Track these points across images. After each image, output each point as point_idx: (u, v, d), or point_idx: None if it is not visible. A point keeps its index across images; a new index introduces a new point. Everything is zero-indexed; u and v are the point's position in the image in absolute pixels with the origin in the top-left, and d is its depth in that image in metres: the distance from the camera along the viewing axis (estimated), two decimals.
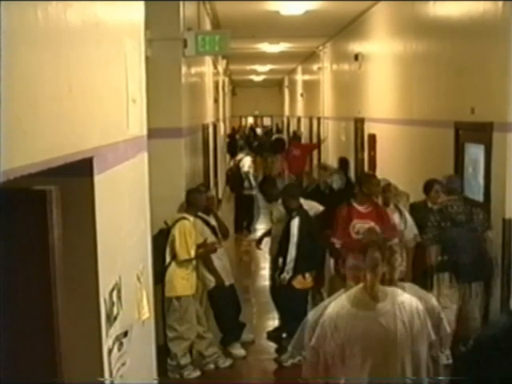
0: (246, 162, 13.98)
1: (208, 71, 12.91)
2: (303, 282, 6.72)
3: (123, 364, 3.10)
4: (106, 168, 2.87)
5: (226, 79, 24.91)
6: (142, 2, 4.16)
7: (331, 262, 7.36)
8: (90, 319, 2.73)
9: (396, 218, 6.89)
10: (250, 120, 41.18)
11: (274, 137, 28.05)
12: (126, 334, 3.14)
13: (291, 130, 30.05)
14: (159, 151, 6.10)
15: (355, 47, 14.53)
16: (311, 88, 23.53)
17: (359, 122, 14.08)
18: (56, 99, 2.13)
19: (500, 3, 6.60)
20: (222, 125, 20.56)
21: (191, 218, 6.57)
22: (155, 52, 6.70)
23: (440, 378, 3.40)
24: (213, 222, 7.04)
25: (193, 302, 6.54)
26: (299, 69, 27.19)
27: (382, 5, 11.94)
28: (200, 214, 6.80)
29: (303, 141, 23.19)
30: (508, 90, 6.47)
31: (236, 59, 20.80)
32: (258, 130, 34.51)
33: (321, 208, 7.55)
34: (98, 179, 2.70)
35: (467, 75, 7.58)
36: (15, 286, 2.43)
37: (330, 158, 18.74)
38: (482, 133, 7.02)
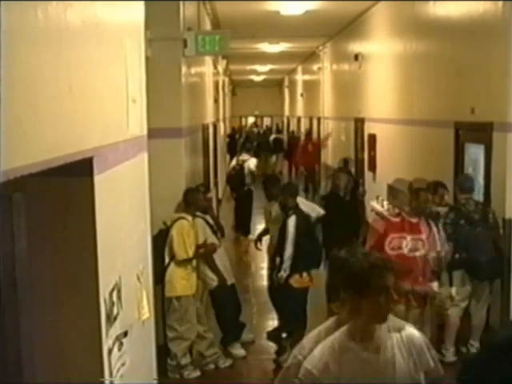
0: (252, 163, 14.02)
1: (208, 71, 12.92)
2: (301, 281, 6.71)
3: (123, 364, 3.10)
4: (106, 168, 2.87)
5: (226, 79, 24.91)
6: (142, 2, 4.16)
7: None
8: (90, 319, 2.73)
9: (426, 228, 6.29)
10: (251, 120, 41.20)
11: (273, 136, 28.19)
12: (126, 333, 3.14)
13: (291, 130, 30.14)
14: (159, 151, 6.10)
15: (355, 47, 14.53)
16: (311, 88, 23.53)
17: (359, 122, 14.08)
18: (56, 99, 2.13)
19: (500, 3, 6.60)
20: (222, 125, 20.56)
21: (190, 218, 6.57)
22: (155, 52, 6.70)
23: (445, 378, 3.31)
24: (211, 221, 7.04)
25: (193, 301, 6.54)
26: (299, 69, 27.20)
27: (382, 5, 11.94)
28: (199, 213, 6.80)
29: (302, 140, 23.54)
30: (508, 90, 6.47)
31: (236, 59, 20.80)
32: (256, 130, 34.52)
33: (321, 212, 7.56)
34: (98, 179, 2.70)
35: (467, 75, 7.59)
36: None
37: (330, 158, 18.75)
38: (481, 133, 7.02)
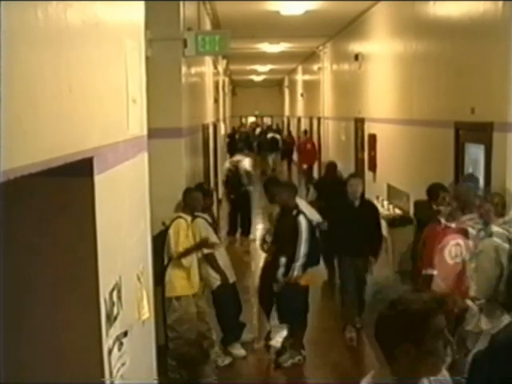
0: (246, 163, 13.77)
1: (208, 71, 12.92)
2: (308, 278, 6.76)
3: (123, 364, 3.10)
4: (106, 168, 2.87)
5: (226, 79, 24.93)
6: (142, 2, 4.16)
7: None
8: (90, 319, 2.73)
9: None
10: (251, 120, 41.23)
11: (269, 136, 28.42)
12: (126, 333, 3.14)
13: (289, 129, 30.23)
14: (159, 151, 6.10)
15: (355, 47, 14.53)
16: (311, 88, 23.54)
17: (359, 122, 14.09)
18: (56, 99, 2.13)
19: (500, 3, 6.60)
20: (222, 125, 20.57)
21: (188, 218, 6.56)
22: (155, 52, 6.70)
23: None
24: (210, 220, 7.05)
25: (193, 301, 6.54)
26: (299, 69, 27.21)
27: (382, 5, 11.95)
28: (199, 213, 6.79)
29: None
30: (508, 90, 6.47)
31: (236, 59, 20.81)
32: (258, 130, 34.70)
33: (320, 219, 7.43)
34: (98, 179, 2.70)
35: (467, 75, 7.59)
36: None
37: (331, 158, 18.75)
38: (482, 133, 7.02)
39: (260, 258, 10.76)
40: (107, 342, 2.83)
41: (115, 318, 2.97)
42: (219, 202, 14.35)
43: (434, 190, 7.08)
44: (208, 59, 12.58)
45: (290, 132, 29.19)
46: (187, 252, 6.45)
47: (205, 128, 11.14)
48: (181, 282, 6.45)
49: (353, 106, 14.90)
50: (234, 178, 13.33)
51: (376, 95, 12.82)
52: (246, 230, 13.31)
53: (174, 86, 7.21)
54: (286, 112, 34.80)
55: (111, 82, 3.09)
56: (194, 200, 6.70)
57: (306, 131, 24.87)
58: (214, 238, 6.83)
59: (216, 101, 16.11)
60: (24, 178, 1.80)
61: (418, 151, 9.68)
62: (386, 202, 10.81)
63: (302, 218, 6.71)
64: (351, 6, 12.41)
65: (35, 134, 1.92)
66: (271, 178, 8.66)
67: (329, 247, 7.73)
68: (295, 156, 26.16)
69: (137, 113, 3.73)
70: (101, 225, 2.73)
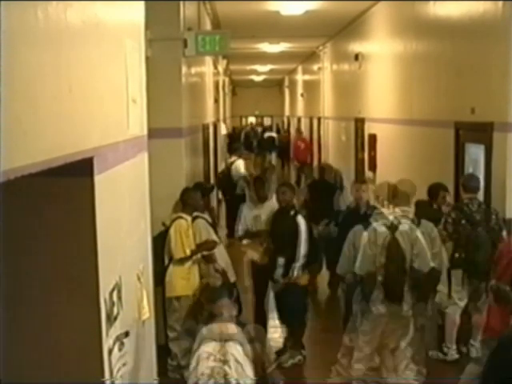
0: (240, 165, 13.24)
1: (208, 71, 12.92)
2: (306, 277, 6.76)
3: (124, 364, 3.10)
4: (106, 168, 2.88)
5: (226, 79, 24.92)
6: (142, 2, 4.16)
7: None
8: (90, 319, 2.73)
9: None
10: (252, 120, 41.24)
11: (266, 135, 28.66)
12: (127, 334, 3.14)
13: (291, 129, 30.29)
14: (159, 151, 6.10)
15: (355, 47, 14.53)
16: (311, 88, 23.54)
17: (359, 122, 14.09)
18: (56, 99, 2.13)
19: (500, 3, 6.60)
20: (222, 125, 20.57)
21: (188, 218, 6.56)
22: (155, 52, 6.70)
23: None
24: (210, 220, 7.05)
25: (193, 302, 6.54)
26: (299, 69, 27.20)
27: (382, 5, 11.94)
28: (199, 213, 6.79)
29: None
30: (508, 90, 6.47)
31: (236, 59, 20.81)
32: (259, 130, 34.85)
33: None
34: (98, 179, 2.70)
35: (467, 75, 7.58)
36: None
37: (331, 158, 18.75)
38: (482, 133, 7.02)
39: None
40: (107, 342, 2.83)
41: (115, 318, 2.97)
42: (219, 201, 14.33)
43: (435, 190, 7.08)
44: (208, 59, 12.58)
45: (285, 130, 29.58)
46: (191, 254, 6.47)
47: (205, 128, 11.14)
48: (181, 282, 6.45)
49: (353, 106, 14.90)
50: (225, 180, 13.20)
51: (376, 95, 12.82)
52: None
53: (174, 86, 7.21)
54: (286, 112, 34.79)
55: (111, 82, 3.09)
56: (193, 200, 6.70)
57: (299, 130, 25.49)
58: (214, 238, 6.83)
59: (216, 101, 16.11)
60: (24, 178, 1.80)
61: (418, 151, 9.68)
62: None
63: (300, 218, 6.70)
64: (351, 5, 12.40)
65: (35, 134, 1.92)
66: (257, 178, 8.48)
67: (333, 254, 7.55)
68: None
69: (137, 113, 3.73)
70: (101, 225, 2.73)
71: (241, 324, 7.25)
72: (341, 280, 6.83)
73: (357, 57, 13.85)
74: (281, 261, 6.69)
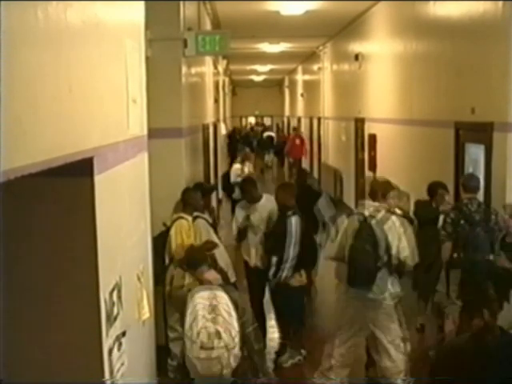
0: (235, 171, 12.87)
1: (208, 71, 12.92)
2: (300, 280, 6.72)
3: (123, 364, 3.10)
4: (106, 168, 2.88)
5: (226, 79, 24.92)
6: (142, 2, 4.16)
7: None
8: (90, 319, 2.73)
9: None
10: (252, 120, 41.27)
11: (265, 134, 29.18)
12: (124, 333, 3.14)
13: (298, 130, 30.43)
14: (159, 151, 6.10)
15: (355, 47, 14.53)
16: (311, 88, 23.54)
17: (359, 122, 14.09)
18: (56, 99, 2.13)
19: (500, 3, 6.60)
20: (222, 125, 20.57)
21: (189, 218, 6.55)
22: (155, 52, 6.70)
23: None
24: (210, 220, 7.04)
25: None
26: (299, 69, 27.21)
27: (382, 5, 11.95)
28: (199, 214, 6.78)
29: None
30: (508, 90, 6.47)
31: (236, 59, 20.81)
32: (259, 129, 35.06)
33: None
34: (98, 179, 2.70)
35: (467, 75, 7.59)
36: None
37: (331, 158, 18.76)
38: (482, 133, 7.02)
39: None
40: (107, 342, 2.83)
41: (115, 318, 2.97)
42: (219, 202, 14.33)
43: (433, 188, 7.07)
44: (208, 59, 12.58)
45: (283, 130, 30.17)
46: None
47: (205, 128, 11.14)
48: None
49: (353, 106, 14.91)
50: (226, 184, 13.18)
51: (376, 95, 12.82)
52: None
53: (174, 86, 7.21)
54: (286, 112, 34.80)
55: (111, 82, 3.09)
56: (194, 200, 6.69)
57: (295, 128, 26.95)
58: (214, 239, 6.83)
59: (216, 101, 16.11)
60: (24, 178, 1.80)
61: (418, 151, 9.68)
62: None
63: (292, 220, 6.65)
64: (351, 5, 12.41)
65: (35, 134, 1.92)
66: (247, 178, 8.36)
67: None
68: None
69: (137, 113, 3.73)
70: (101, 225, 2.73)
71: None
72: None
73: (357, 57, 13.85)
74: (273, 260, 6.71)
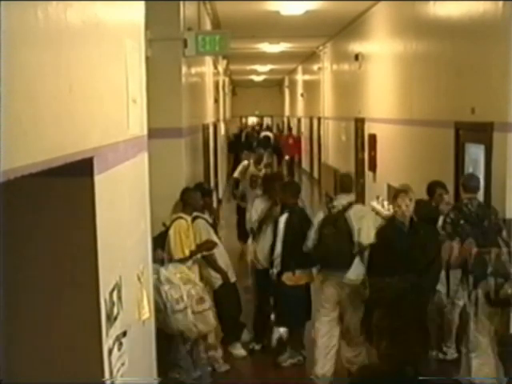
0: (237, 172, 12.61)
1: (208, 71, 12.92)
2: (293, 278, 6.70)
3: (123, 364, 3.10)
4: (106, 168, 2.88)
5: (226, 79, 24.93)
6: (142, 2, 4.16)
7: None
8: (90, 319, 2.73)
9: None
10: (254, 120, 41.34)
11: (262, 134, 29.80)
12: (125, 333, 3.14)
13: (294, 129, 30.55)
14: (159, 151, 6.10)
15: (355, 47, 14.54)
16: (311, 88, 23.55)
17: (359, 122, 14.09)
18: (56, 99, 2.13)
19: (500, 3, 6.61)
20: (222, 125, 20.58)
21: (188, 218, 6.55)
22: (155, 52, 6.70)
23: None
24: (210, 220, 7.04)
25: None
26: (299, 69, 27.21)
27: (382, 5, 11.95)
28: (199, 213, 6.78)
29: (303, 139, 26.03)
30: (508, 89, 6.47)
31: (236, 59, 20.82)
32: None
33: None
34: (98, 179, 2.70)
35: (467, 75, 7.59)
36: None
37: (331, 158, 18.76)
38: (482, 133, 7.02)
39: None
40: (107, 342, 2.83)
41: (115, 318, 2.97)
42: (219, 202, 14.34)
43: (432, 188, 7.08)
44: (208, 59, 12.58)
45: (281, 130, 32.37)
46: (191, 255, 6.46)
47: (205, 128, 11.15)
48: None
49: (353, 106, 14.91)
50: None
51: (376, 95, 12.82)
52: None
53: (174, 86, 7.21)
54: (286, 112, 34.81)
55: (111, 82, 3.09)
56: (193, 200, 6.69)
57: (290, 128, 29.60)
58: (214, 239, 6.83)
59: (216, 101, 16.12)
60: (24, 178, 1.80)
61: (418, 151, 9.68)
62: (385, 202, 10.80)
63: (281, 218, 6.70)
64: (351, 5, 12.41)
65: (35, 133, 1.92)
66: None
67: None
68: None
69: (137, 113, 3.73)
70: (101, 225, 2.73)
71: (240, 324, 7.29)
72: None
73: (357, 57, 13.86)
74: (271, 257, 6.81)
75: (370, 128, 13.14)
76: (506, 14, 6.50)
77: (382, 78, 12.28)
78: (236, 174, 11.99)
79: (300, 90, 27.29)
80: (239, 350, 7.15)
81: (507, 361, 5.67)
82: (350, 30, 15.07)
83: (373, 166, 12.67)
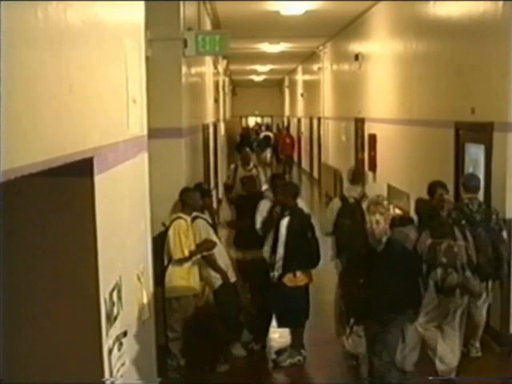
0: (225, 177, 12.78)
1: (208, 71, 12.92)
2: (294, 279, 6.69)
3: (123, 364, 3.10)
4: (106, 168, 2.88)
5: (226, 79, 24.92)
6: (142, 2, 4.16)
7: None
8: (90, 319, 2.73)
9: None
10: (254, 120, 41.40)
11: (263, 134, 32.02)
12: (125, 333, 3.14)
13: (294, 129, 30.64)
14: (159, 151, 6.09)
15: (355, 47, 14.53)
16: (311, 88, 23.55)
17: (359, 122, 14.09)
18: (56, 99, 2.13)
19: (500, 3, 6.61)
20: (222, 125, 20.59)
21: (188, 218, 6.55)
22: (155, 52, 6.69)
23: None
24: (210, 220, 7.03)
25: (193, 302, 6.53)
26: (299, 69, 27.21)
27: (382, 5, 11.95)
28: (199, 213, 6.78)
29: (303, 139, 26.37)
30: (508, 89, 6.47)
31: (236, 59, 20.81)
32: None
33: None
34: (98, 179, 2.70)
35: (467, 75, 7.59)
36: None
37: (331, 158, 18.76)
38: (482, 133, 7.02)
39: None
40: (107, 342, 2.83)
41: (115, 318, 2.97)
42: (219, 202, 14.33)
43: (433, 188, 7.07)
44: (208, 59, 12.58)
45: (280, 130, 32.95)
46: (190, 255, 6.46)
47: (205, 128, 11.14)
48: (181, 283, 6.44)
49: (353, 106, 14.91)
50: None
51: (376, 95, 12.82)
52: None
53: (174, 86, 7.20)
54: (286, 112, 34.81)
55: (111, 82, 3.09)
56: (192, 200, 6.68)
57: (287, 128, 31.20)
58: (214, 239, 6.82)
59: (216, 101, 16.11)
60: (24, 178, 1.80)
61: (418, 151, 9.68)
62: (385, 202, 10.81)
63: (283, 221, 6.67)
64: (351, 5, 12.41)
65: (35, 133, 1.92)
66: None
67: None
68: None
69: (137, 113, 3.73)
70: (101, 225, 2.73)
71: (240, 324, 7.27)
72: None
73: (357, 57, 13.85)
74: (272, 259, 6.77)
75: (369, 128, 13.14)
76: (506, 13, 6.51)
77: (381, 77, 12.28)
78: (225, 180, 11.93)
79: (300, 90, 27.28)
80: (239, 350, 7.15)
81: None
82: (350, 30, 15.06)
83: (373, 166, 12.66)
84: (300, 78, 27.62)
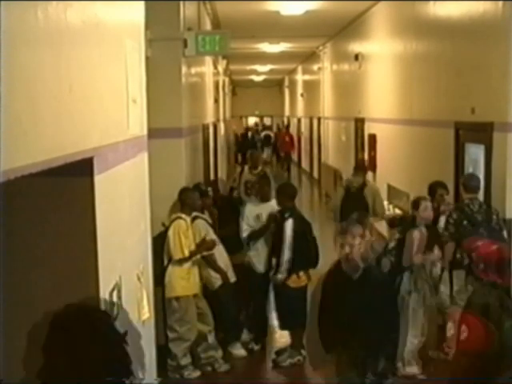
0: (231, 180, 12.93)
1: (208, 71, 12.91)
2: (297, 280, 6.71)
3: None
4: (106, 168, 2.87)
5: (226, 79, 24.91)
6: (142, 2, 4.16)
7: None
8: None
9: None
10: (251, 120, 41.38)
11: (263, 133, 32.89)
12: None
13: (294, 129, 30.73)
14: (159, 151, 6.09)
15: (355, 47, 14.53)
16: (311, 88, 23.55)
17: (359, 122, 14.09)
18: (56, 99, 2.13)
19: (500, 3, 6.61)
20: (222, 125, 20.58)
21: (187, 218, 6.54)
22: (155, 52, 6.69)
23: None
24: (210, 220, 7.03)
25: (193, 302, 6.53)
26: (299, 69, 27.21)
27: (382, 5, 11.95)
28: (198, 214, 6.78)
29: (303, 139, 26.48)
30: (508, 90, 6.47)
31: (236, 59, 20.81)
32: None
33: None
34: (98, 179, 2.70)
35: (467, 75, 7.59)
36: None
37: (331, 158, 18.76)
38: (482, 133, 7.02)
39: None
40: None
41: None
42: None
43: (433, 188, 7.08)
44: (208, 59, 12.57)
45: (280, 129, 33.94)
46: (190, 255, 6.46)
47: (205, 128, 11.14)
48: (180, 283, 6.44)
49: (353, 106, 14.91)
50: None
51: (376, 95, 12.82)
52: None
53: (174, 86, 7.20)
54: (286, 112, 34.81)
55: (111, 82, 3.09)
56: (191, 200, 6.68)
57: (287, 127, 32.48)
58: (214, 238, 6.82)
59: (216, 101, 16.10)
60: (24, 178, 1.80)
61: (418, 151, 9.68)
62: (385, 202, 10.81)
63: (288, 224, 6.67)
64: (351, 5, 12.41)
65: (35, 133, 1.92)
66: (263, 176, 8.31)
67: None
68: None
69: (137, 113, 3.73)
70: (101, 225, 2.73)
71: (240, 324, 7.26)
72: None
73: (357, 57, 13.85)
74: (273, 262, 6.77)
75: (369, 128, 13.14)
76: (506, 14, 6.51)
77: (381, 78, 12.28)
78: (231, 183, 11.91)
79: (300, 90, 27.28)
80: (239, 350, 7.15)
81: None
82: (350, 30, 15.06)
83: (373, 166, 12.66)
84: (300, 78, 27.62)
